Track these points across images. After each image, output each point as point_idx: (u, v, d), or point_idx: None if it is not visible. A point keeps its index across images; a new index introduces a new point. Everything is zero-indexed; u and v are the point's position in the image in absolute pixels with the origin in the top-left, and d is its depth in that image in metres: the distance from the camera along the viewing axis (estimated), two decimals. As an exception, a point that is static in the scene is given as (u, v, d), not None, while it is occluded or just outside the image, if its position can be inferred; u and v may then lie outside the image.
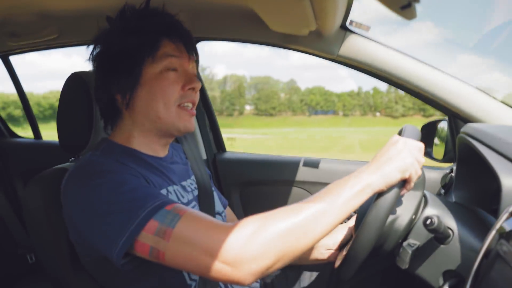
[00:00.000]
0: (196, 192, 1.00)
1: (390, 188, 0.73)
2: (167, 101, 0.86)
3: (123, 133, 0.91)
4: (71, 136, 1.01)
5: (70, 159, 1.06)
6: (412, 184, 0.76)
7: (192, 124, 0.91)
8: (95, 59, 0.91)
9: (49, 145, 2.13)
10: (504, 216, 0.61)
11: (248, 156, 1.75)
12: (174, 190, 0.90)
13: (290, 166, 1.61)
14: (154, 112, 0.86)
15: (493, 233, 0.60)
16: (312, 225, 0.67)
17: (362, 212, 0.91)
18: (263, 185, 1.63)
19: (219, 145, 1.82)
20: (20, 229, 1.85)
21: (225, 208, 1.17)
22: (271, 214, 0.68)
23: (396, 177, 0.72)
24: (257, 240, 0.64)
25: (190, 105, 0.90)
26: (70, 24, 1.45)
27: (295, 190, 1.59)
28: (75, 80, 1.00)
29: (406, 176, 0.73)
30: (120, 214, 0.72)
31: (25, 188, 0.94)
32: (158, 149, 0.94)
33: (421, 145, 0.77)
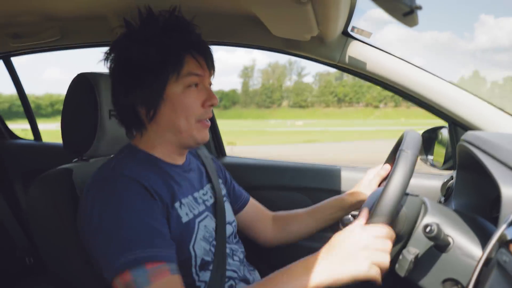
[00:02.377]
0: (210, 202, 1.01)
1: None
2: (189, 117, 0.90)
3: (147, 141, 0.94)
4: (75, 137, 1.01)
5: (74, 160, 1.06)
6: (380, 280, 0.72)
7: (207, 135, 0.95)
8: (113, 64, 0.90)
9: (49, 147, 2.13)
10: (504, 224, 0.61)
11: (248, 161, 1.75)
12: (187, 203, 0.93)
13: (291, 172, 1.61)
14: (176, 126, 0.91)
15: (493, 241, 0.60)
16: None
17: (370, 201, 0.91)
18: (263, 190, 1.62)
19: (220, 149, 1.82)
20: (19, 231, 1.84)
21: (246, 204, 1.22)
22: None
23: (348, 280, 0.71)
24: None
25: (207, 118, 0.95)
26: (73, 26, 1.45)
27: (295, 195, 1.59)
28: (81, 81, 1.00)
29: (361, 279, 0.71)
30: (112, 245, 0.76)
31: (31, 188, 0.93)
32: (176, 158, 0.98)
33: (388, 233, 0.74)
